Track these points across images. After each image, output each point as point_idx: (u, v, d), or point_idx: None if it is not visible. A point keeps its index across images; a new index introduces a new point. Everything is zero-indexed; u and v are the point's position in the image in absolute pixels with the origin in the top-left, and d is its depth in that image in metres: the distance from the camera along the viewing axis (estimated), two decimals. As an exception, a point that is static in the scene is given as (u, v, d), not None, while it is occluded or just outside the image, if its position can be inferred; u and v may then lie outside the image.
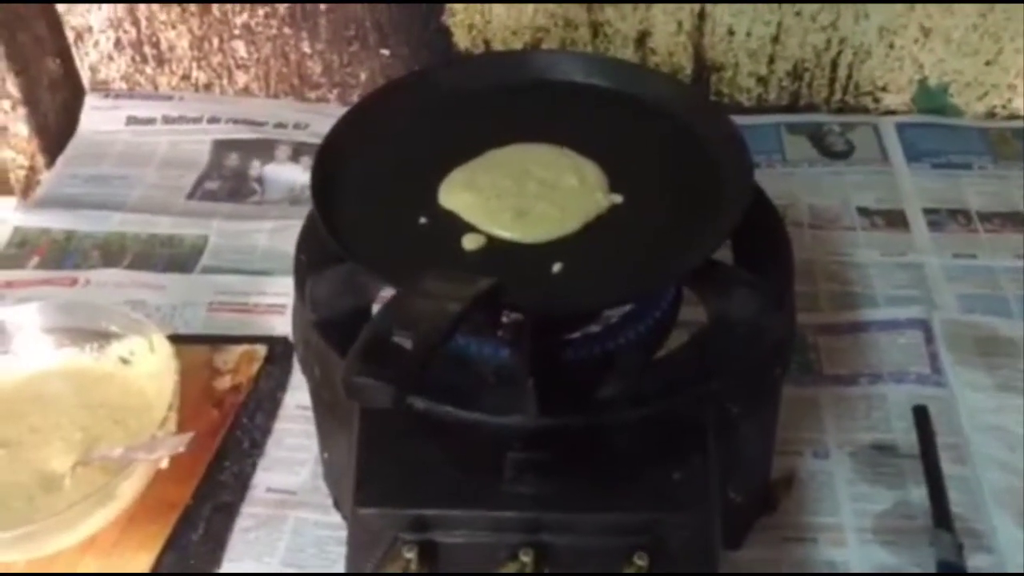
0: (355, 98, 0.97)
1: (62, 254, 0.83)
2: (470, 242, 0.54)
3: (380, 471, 0.47)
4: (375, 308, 0.56)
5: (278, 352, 0.74)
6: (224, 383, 0.71)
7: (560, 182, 0.56)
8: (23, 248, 0.84)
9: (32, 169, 0.95)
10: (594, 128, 0.60)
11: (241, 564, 0.61)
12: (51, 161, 0.94)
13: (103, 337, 0.68)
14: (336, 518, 0.64)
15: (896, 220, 0.83)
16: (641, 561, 0.43)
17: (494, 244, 0.54)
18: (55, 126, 0.95)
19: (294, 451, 0.68)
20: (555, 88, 0.63)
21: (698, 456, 0.47)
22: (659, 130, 0.60)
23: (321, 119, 0.95)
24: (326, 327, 0.53)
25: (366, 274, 0.53)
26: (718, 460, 0.49)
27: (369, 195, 0.57)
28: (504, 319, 0.48)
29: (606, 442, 0.48)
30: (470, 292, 0.42)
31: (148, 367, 0.66)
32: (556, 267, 0.52)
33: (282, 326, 0.76)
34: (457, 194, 0.56)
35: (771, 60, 0.92)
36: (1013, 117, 0.92)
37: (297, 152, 0.92)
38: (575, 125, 0.60)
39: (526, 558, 0.44)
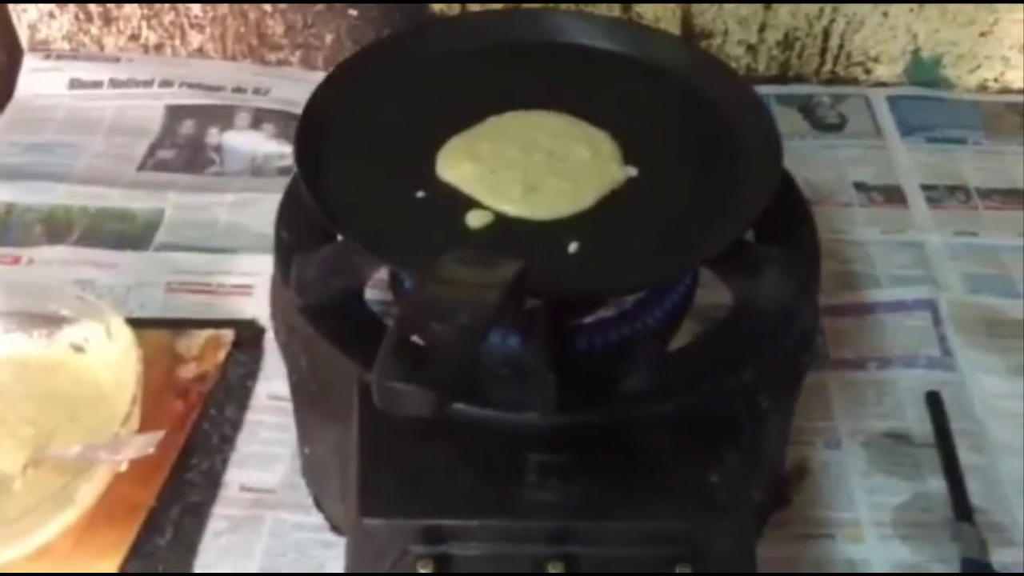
0: (319, 61, 0.91)
1: (2, 229, 0.75)
2: (475, 219, 0.49)
3: (385, 476, 0.42)
4: (368, 292, 0.51)
5: (246, 337, 0.68)
6: (188, 371, 0.65)
7: (571, 153, 0.51)
8: (-43, 223, 0.76)
9: (-35, 136, 0.87)
10: (602, 95, 0.55)
11: (214, 568, 0.56)
12: (-13, 128, 0.86)
13: (53, 322, 0.61)
14: (318, 518, 0.58)
15: (894, 196, 0.80)
16: (684, 571, 0.39)
17: (501, 221, 0.49)
18: (-10, 89, 0.87)
19: (268, 445, 0.62)
20: (558, 51, 0.58)
21: (734, 455, 0.43)
22: (673, 98, 0.55)
23: (283, 83, 0.89)
24: (315, 313, 0.48)
25: (361, 255, 0.48)
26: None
27: (359, 167, 0.51)
28: (518, 305, 0.43)
29: (632, 440, 0.44)
30: (502, 278, 0.37)
31: (105, 355, 0.60)
32: (572, 247, 0.47)
33: (249, 308, 0.70)
34: (457, 166, 0.51)
35: (762, 28, 0.88)
36: (1005, 91, 0.89)
37: (258, 119, 0.85)
38: (582, 91, 0.55)
39: (555, 571, 0.39)
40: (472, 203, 0.50)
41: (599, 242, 0.47)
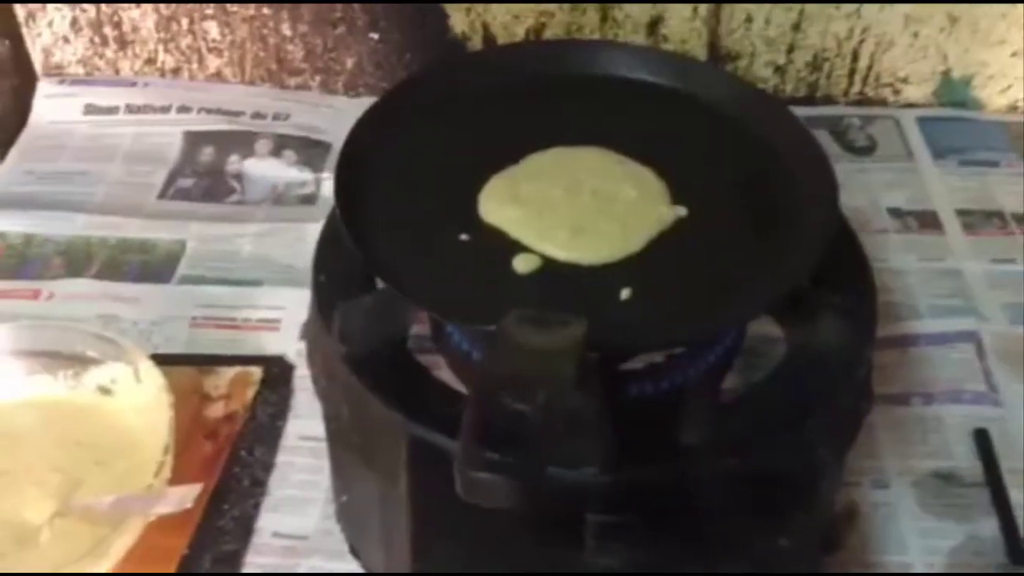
0: (339, 86, 0.90)
1: (20, 261, 0.73)
2: (523, 264, 0.47)
3: (440, 539, 0.40)
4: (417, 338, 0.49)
5: (275, 375, 0.66)
6: (216, 411, 0.63)
7: (617, 193, 0.50)
8: (-26, 254, 0.74)
9: (-22, 165, 0.85)
10: (645, 130, 0.54)
11: (249, 625, 0.54)
12: (1, 154, 0.84)
13: (78, 363, 0.60)
14: (354, 566, 0.57)
15: (929, 222, 0.78)
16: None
17: (549, 265, 0.47)
18: (4, 115, 0.85)
19: (301, 489, 0.61)
20: (599, 84, 0.56)
21: (801, 515, 0.41)
22: (720, 134, 0.53)
23: (303, 109, 0.87)
24: (359, 363, 0.46)
25: (407, 304, 0.46)
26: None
27: (400, 209, 0.50)
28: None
29: (692, 499, 0.42)
30: (574, 341, 0.36)
31: (133, 399, 0.58)
32: (624, 293, 0.46)
33: (276, 344, 0.68)
34: (501, 207, 0.49)
35: (791, 49, 0.86)
36: (1036, 112, 0.88)
37: (279, 146, 0.84)
38: (624, 126, 0.54)
39: (619, 642, 0.38)
40: (518, 247, 0.48)
41: (652, 288, 0.46)
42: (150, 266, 0.73)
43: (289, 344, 0.68)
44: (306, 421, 0.63)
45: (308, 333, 0.53)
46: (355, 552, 0.57)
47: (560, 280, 0.46)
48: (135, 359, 0.58)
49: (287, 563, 0.57)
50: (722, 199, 0.50)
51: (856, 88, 0.89)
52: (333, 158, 0.83)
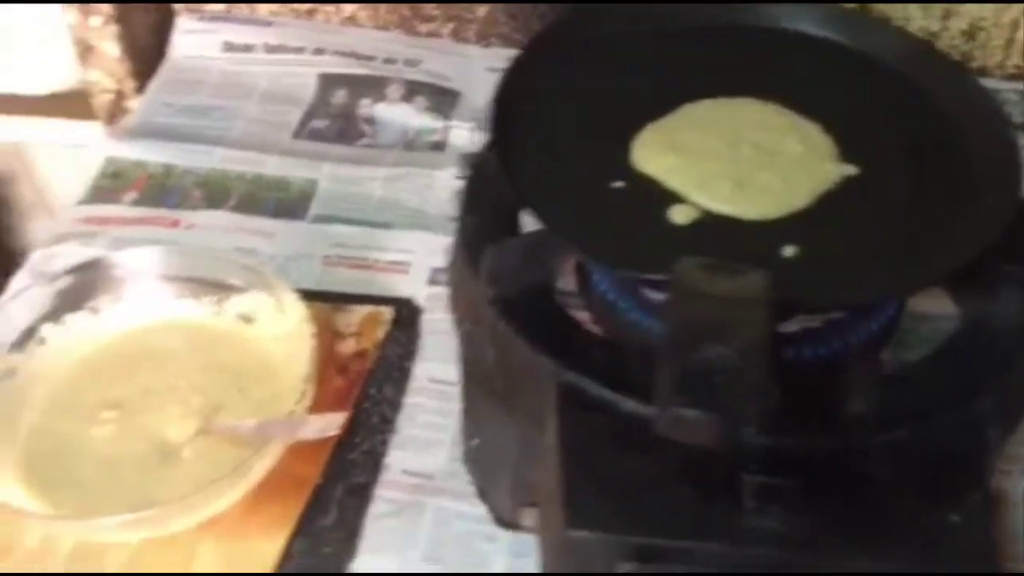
0: (471, 35, 0.89)
1: (161, 191, 0.75)
2: (680, 214, 0.46)
3: (593, 487, 0.40)
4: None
5: (404, 316, 0.67)
6: (347, 347, 0.64)
7: (781, 147, 0.49)
8: (117, 180, 0.76)
9: (120, 95, 0.87)
10: (809, 84, 0.52)
11: (378, 555, 0.55)
12: (140, 87, 0.86)
13: (222, 290, 0.61)
14: (481, 510, 0.57)
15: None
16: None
17: (708, 218, 0.46)
18: (144, 49, 0.87)
19: (428, 430, 0.61)
20: (759, 35, 0.55)
21: (976, 494, 0.40)
22: (892, 94, 0.52)
23: (433, 56, 0.87)
24: (508, 307, 0.46)
25: (559, 248, 0.46)
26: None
27: (552, 154, 0.49)
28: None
29: (856, 469, 0.41)
30: (761, 290, 0.35)
31: (274, 329, 0.60)
32: (788, 250, 0.45)
33: (405, 287, 0.69)
34: (657, 156, 0.49)
35: (946, 15, 0.83)
36: None
37: (410, 92, 0.84)
38: (787, 80, 0.52)
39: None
40: (674, 197, 0.47)
41: (817, 247, 0.45)
42: (285, 203, 0.74)
43: (418, 287, 0.69)
44: (434, 364, 0.64)
45: (451, 276, 0.53)
46: (482, 495, 0.57)
47: (719, 233, 0.46)
48: (278, 290, 0.59)
49: (415, 500, 0.58)
50: (893, 161, 0.49)
51: (1013, 60, 0.85)
52: (462, 107, 0.84)
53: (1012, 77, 0.85)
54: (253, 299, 0.60)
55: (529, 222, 0.50)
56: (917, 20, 0.83)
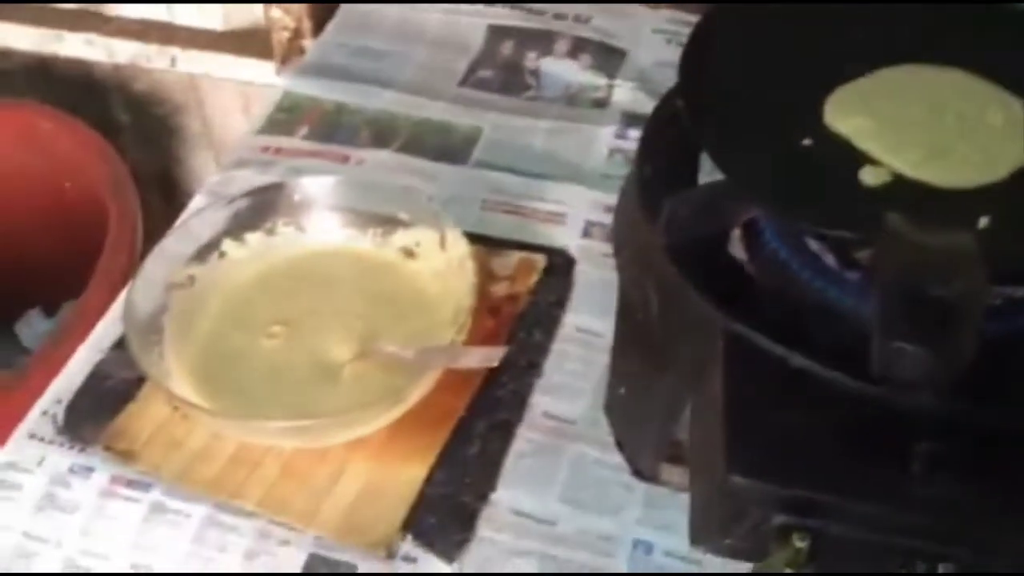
0: (642, -4, 0.89)
1: (332, 127, 0.78)
2: (871, 176, 0.45)
3: (756, 436, 0.40)
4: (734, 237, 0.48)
5: (557, 265, 0.68)
6: (501, 290, 0.65)
7: (983, 117, 0.47)
8: (292, 114, 0.79)
9: (297, 33, 0.91)
10: (1012, 56, 0.50)
11: (516, 491, 0.56)
12: (317, 28, 0.89)
13: (388, 223, 0.63)
14: (618, 458, 0.58)
15: None
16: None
17: (900, 182, 0.45)
18: (324, -10, 0.90)
19: (573, 377, 0.62)
20: (968, 5, 0.53)
21: None
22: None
23: (604, 14, 0.87)
24: (681, 255, 0.46)
25: (738, 200, 0.45)
26: None
27: (741, 107, 0.49)
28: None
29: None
30: (971, 246, 0.34)
31: (435, 263, 0.61)
32: (983, 221, 0.43)
33: (560, 237, 0.70)
34: (852, 116, 0.48)
35: None
36: None
37: (576, 48, 0.84)
38: (991, 51, 0.50)
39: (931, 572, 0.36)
40: (865, 159, 0.46)
41: (1015, 220, 0.43)
42: (448, 147, 0.76)
43: (572, 239, 0.69)
44: (583, 315, 0.65)
45: (620, 220, 0.53)
46: (620, 445, 0.58)
47: (912, 198, 0.44)
48: (443, 226, 0.61)
49: (555, 443, 0.59)
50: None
51: None
52: (627, 66, 0.84)
53: None
54: (418, 234, 0.62)
55: (705, 176, 0.50)
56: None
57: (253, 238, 0.63)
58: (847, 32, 0.52)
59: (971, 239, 0.35)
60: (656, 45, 0.84)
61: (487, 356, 0.53)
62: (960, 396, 0.39)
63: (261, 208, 0.63)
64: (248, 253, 0.62)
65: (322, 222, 0.63)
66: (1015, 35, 0.51)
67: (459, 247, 0.60)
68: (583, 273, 0.67)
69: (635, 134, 0.68)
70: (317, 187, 0.63)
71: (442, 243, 0.61)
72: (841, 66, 0.50)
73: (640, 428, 0.56)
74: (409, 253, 0.63)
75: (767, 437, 0.40)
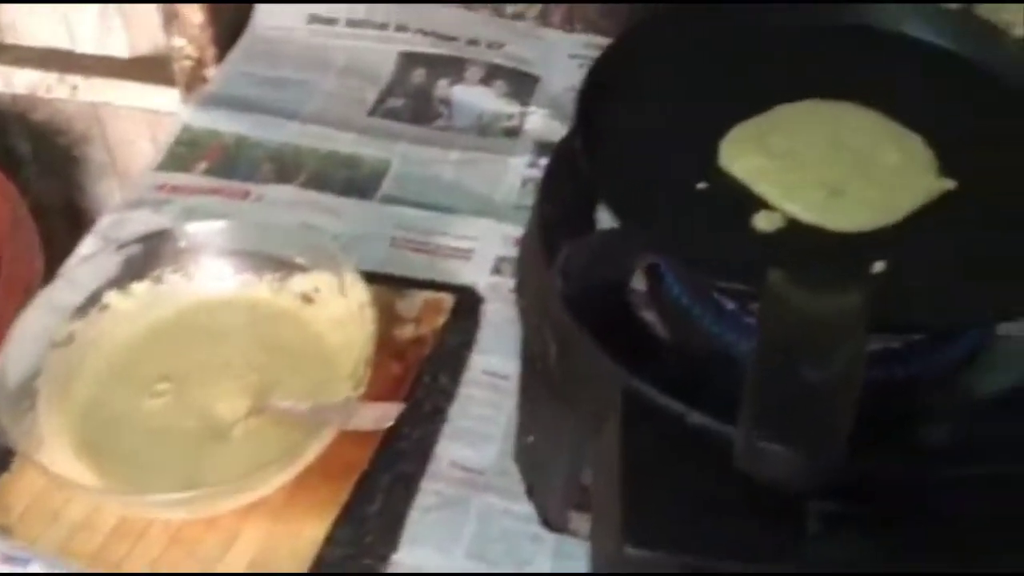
0: (556, 19, 0.87)
1: (232, 162, 0.75)
2: (765, 221, 0.44)
3: (653, 503, 0.38)
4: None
5: (465, 304, 0.65)
6: (407, 333, 0.63)
7: (879, 155, 0.46)
8: (191, 149, 0.76)
9: (200, 62, 0.87)
10: (910, 91, 0.49)
11: (421, 549, 0.54)
12: (221, 55, 0.86)
13: (285, 267, 0.60)
14: (528, 509, 0.55)
15: None
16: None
17: (794, 227, 0.44)
18: (229, 16, 0.87)
19: (480, 422, 0.60)
20: (863, 37, 0.52)
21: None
22: (998, 105, 0.48)
23: (518, 40, 0.85)
24: (579, 304, 0.44)
25: (637, 247, 0.43)
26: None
27: (636, 149, 0.47)
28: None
29: (934, 500, 0.38)
30: (861, 308, 0.32)
31: (334, 310, 0.58)
32: (878, 266, 0.42)
33: (467, 274, 0.67)
34: (746, 157, 0.46)
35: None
36: None
37: (489, 75, 0.82)
38: (885, 85, 0.49)
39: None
40: (760, 203, 0.45)
41: (911, 264, 0.42)
42: (355, 181, 0.74)
43: (481, 276, 0.67)
44: (491, 356, 0.62)
45: (522, 265, 0.51)
46: (531, 493, 0.56)
47: (805, 243, 0.43)
48: (343, 271, 0.58)
49: (461, 494, 0.56)
50: (996, 177, 0.45)
51: None
52: (541, 93, 0.82)
53: None
54: (316, 278, 0.59)
55: (607, 217, 0.48)
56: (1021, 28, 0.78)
57: (139, 288, 0.59)
58: (749, 68, 0.51)
59: (857, 297, 0.33)
60: (570, 70, 0.82)
61: (381, 416, 0.51)
62: (858, 452, 0.37)
63: (149, 255, 0.59)
64: (133, 305, 0.59)
65: (213, 269, 0.60)
66: (912, 67, 0.50)
67: (359, 293, 0.57)
68: (492, 312, 0.65)
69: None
70: (206, 232, 0.60)
71: (341, 288, 0.58)
72: (742, 103, 0.49)
73: (548, 476, 0.53)
74: (308, 299, 0.60)
75: (664, 503, 0.38)
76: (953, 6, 0.55)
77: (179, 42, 0.86)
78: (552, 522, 0.54)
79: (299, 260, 0.60)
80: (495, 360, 0.62)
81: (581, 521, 0.52)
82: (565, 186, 0.48)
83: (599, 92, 0.49)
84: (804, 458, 0.29)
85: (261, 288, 0.60)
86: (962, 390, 0.43)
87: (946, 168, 0.45)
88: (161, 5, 0.85)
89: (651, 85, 0.50)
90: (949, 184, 0.45)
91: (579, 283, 0.44)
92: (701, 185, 0.46)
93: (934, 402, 0.41)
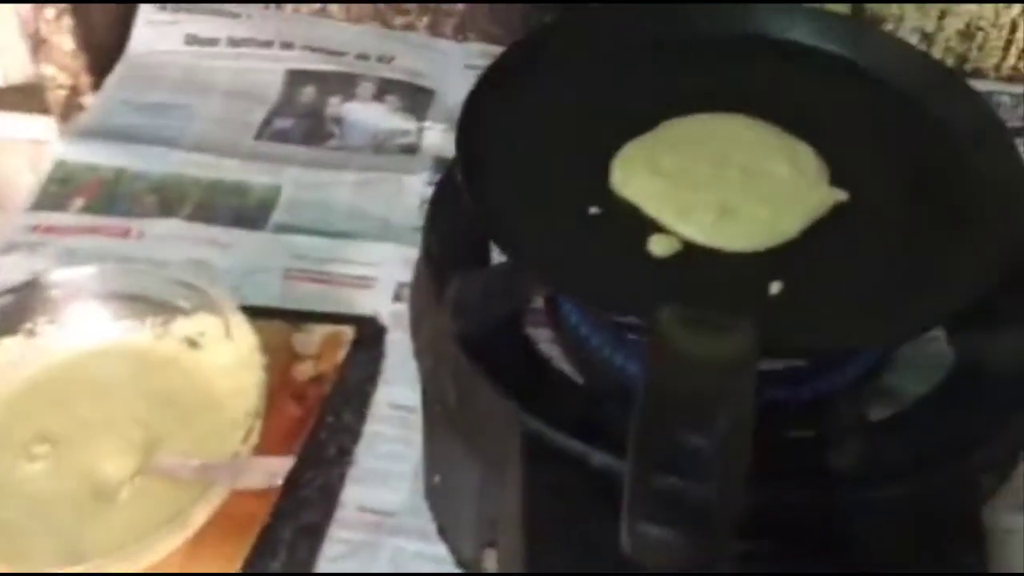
0: (448, 30, 0.85)
1: (111, 197, 0.70)
2: (660, 246, 0.42)
3: (555, 548, 0.36)
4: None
5: (367, 336, 0.62)
6: (305, 371, 0.60)
7: (770, 170, 0.44)
8: (66, 186, 0.71)
9: (74, 90, 0.82)
10: (799, 99, 0.48)
11: (330, 604, 0.51)
12: (97, 83, 0.81)
13: (167, 311, 0.57)
14: (441, 549, 0.53)
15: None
16: None
17: (690, 250, 0.42)
18: (103, 41, 0.82)
19: (389, 461, 0.57)
20: (746, 45, 0.50)
21: (973, 558, 0.36)
22: (888, 110, 0.47)
23: (408, 51, 0.83)
24: (474, 345, 0.42)
25: (531, 280, 0.41)
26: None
27: (524, 176, 0.45)
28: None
29: (841, 527, 0.37)
30: (748, 353, 0.31)
31: (222, 356, 0.55)
32: (775, 287, 0.40)
33: (368, 303, 0.65)
34: (637, 179, 0.44)
35: (942, 15, 0.78)
36: None
37: (382, 90, 0.79)
38: (774, 93, 0.48)
39: None
40: (652, 225, 0.43)
41: (807, 284, 0.40)
42: (244, 210, 0.70)
43: (382, 304, 0.64)
44: (396, 388, 0.60)
45: (414, 304, 0.48)
46: (443, 533, 0.53)
47: (701, 267, 0.41)
48: (226, 313, 0.55)
49: (371, 539, 0.53)
50: (889, 184, 0.44)
51: (1010, 62, 0.80)
52: (437, 106, 0.79)
53: (1009, 79, 0.80)
54: (200, 322, 0.56)
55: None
56: (912, 20, 0.78)
57: (10, 343, 0.55)
58: (638, 83, 0.49)
59: (747, 342, 0.32)
60: (466, 82, 0.76)
61: (271, 473, 0.48)
62: (759, 483, 0.36)
63: (17, 308, 0.55)
64: (5, 361, 0.55)
65: (90, 317, 0.56)
66: (801, 74, 0.49)
67: (245, 337, 0.54)
68: (396, 341, 0.62)
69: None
70: (79, 277, 0.56)
71: (227, 331, 0.55)
72: (632, 120, 0.47)
73: (458, 515, 0.51)
74: (193, 344, 0.56)
75: (567, 549, 0.36)
76: (841, 7, 0.55)
77: (49, 70, 0.81)
78: (466, 563, 0.52)
79: (181, 303, 0.56)
80: (402, 392, 0.59)
81: (496, 561, 0.50)
82: (453, 216, 0.46)
83: (482, 116, 0.46)
84: (686, 542, 0.28)
85: (143, 335, 0.57)
86: (863, 408, 0.42)
87: (838, 178, 0.44)
88: (28, 33, 0.80)
89: (538, 103, 0.48)
90: (841, 195, 0.44)
91: (473, 321, 0.42)
92: (594, 210, 0.44)
93: (836, 423, 0.40)
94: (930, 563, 0.36)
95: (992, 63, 0.81)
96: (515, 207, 0.43)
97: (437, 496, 0.53)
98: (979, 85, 0.81)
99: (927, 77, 0.47)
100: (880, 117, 0.47)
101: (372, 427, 0.58)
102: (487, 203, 0.43)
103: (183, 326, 0.56)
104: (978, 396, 0.40)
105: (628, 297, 0.38)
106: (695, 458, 0.28)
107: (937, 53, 0.80)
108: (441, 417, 0.47)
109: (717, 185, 0.44)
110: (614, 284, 0.40)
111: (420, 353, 0.47)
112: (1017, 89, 0.80)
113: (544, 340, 0.46)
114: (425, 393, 0.49)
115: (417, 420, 0.57)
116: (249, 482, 0.47)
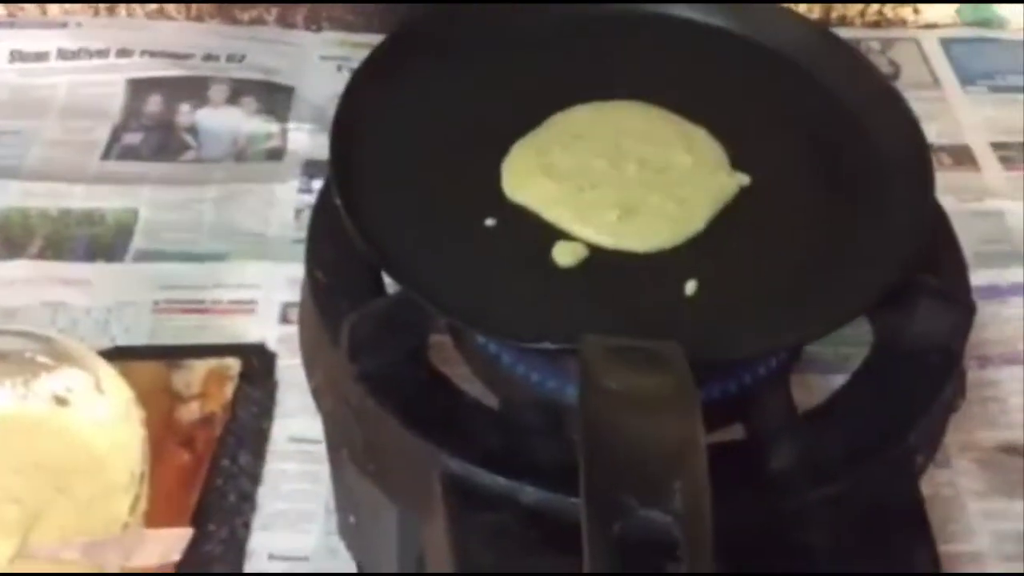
0: (299, 20, 0.79)
1: (-54, 242, 0.64)
2: (564, 255, 0.39)
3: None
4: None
5: (255, 366, 0.58)
6: (190, 413, 0.55)
7: (669, 160, 0.42)
8: None
9: None
10: (690, 79, 0.46)
11: (250, 666, 0.47)
12: (-87, 112, 0.73)
13: (28, 368, 0.51)
14: (365, 590, 0.50)
15: (963, 157, 0.72)
16: None
17: (597, 255, 0.39)
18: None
19: (296, 501, 0.53)
20: (630, 24, 0.48)
21: (924, 551, 0.35)
22: (781, 84, 0.46)
23: (259, 47, 0.77)
24: (376, 384, 0.38)
25: (430, 317, 0.38)
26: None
27: (410, 191, 0.41)
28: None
29: (787, 535, 0.35)
30: (689, 390, 0.28)
31: (94, 411, 0.50)
32: (690, 287, 0.38)
33: (253, 329, 0.60)
34: (530, 183, 0.41)
35: (805, -37, 0.78)
36: (1066, 28, 0.81)
37: (236, 92, 0.74)
38: (665, 75, 0.46)
39: None
40: (556, 232, 0.40)
41: (721, 280, 0.39)
42: (100, 241, 0.64)
43: (268, 328, 0.60)
44: (295, 420, 0.56)
45: (305, 340, 0.44)
46: (361, 570, 0.50)
47: (611, 273, 0.39)
48: (93, 365, 0.50)
49: (289, 589, 0.50)
50: (788, 161, 0.43)
51: (874, 8, 0.81)
52: (298, 104, 0.74)
53: (873, 25, 0.81)
54: (65, 376, 0.51)
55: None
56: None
57: None
58: (522, 74, 0.46)
59: (680, 358, 0.29)
60: (326, 75, 0.75)
61: (169, 548, 0.43)
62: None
63: None
64: None
65: (-62, 386, 0.50)
66: (689, 53, 0.47)
67: (119, 389, 0.49)
68: (288, 368, 0.58)
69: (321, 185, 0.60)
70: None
71: (96, 384, 0.50)
72: (519, 115, 0.44)
73: (378, 556, 0.48)
74: (62, 401, 0.51)
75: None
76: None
77: None
78: (391, 601, 0.49)
79: (40, 359, 0.50)
80: (301, 424, 0.55)
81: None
82: (337, 233, 0.42)
83: (355, 126, 0.43)
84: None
85: (7, 397, 0.51)
86: (790, 394, 0.41)
87: (735, 160, 0.42)
88: None
89: (413, 109, 0.44)
90: (744, 180, 0.42)
91: (373, 360, 0.38)
92: (490, 221, 0.40)
93: (765, 416, 0.39)
94: (878, 556, 0.35)
95: (857, 10, 0.81)
96: (402, 228, 0.39)
97: (353, 536, 0.50)
98: (846, 33, 0.82)
99: (809, 43, 0.46)
100: (767, 90, 0.45)
101: (273, 466, 0.54)
102: (370, 226, 0.39)
103: (47, 383, 0.51)
104: (901, 375, 0.39)
105: (539, 322, 0.36)
106: (659, 531, 0.26)
107: (802, 4, 0.80)
108: (350, 464, 0.43)
109: (615, 181, 0.41)
110: (522, 306, 0.37)
111: (317, 393, 0.44)
112: (882, 34, 0.81)
113: (451, 361, 0.43)
114: (328, 437, 0.45)
115: (321, 451, 0.53)
116: (142, 560, 0.43)
